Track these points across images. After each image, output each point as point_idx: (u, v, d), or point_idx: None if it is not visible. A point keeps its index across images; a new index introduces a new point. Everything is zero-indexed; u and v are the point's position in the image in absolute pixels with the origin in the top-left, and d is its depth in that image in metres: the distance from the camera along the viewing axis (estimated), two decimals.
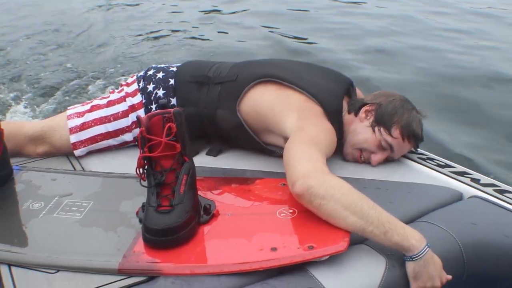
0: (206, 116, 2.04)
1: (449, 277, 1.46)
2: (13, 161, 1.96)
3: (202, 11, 8.94)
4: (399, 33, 6.97)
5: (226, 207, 1.64)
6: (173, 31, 7.46)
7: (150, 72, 2.15)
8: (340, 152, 2.02)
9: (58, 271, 1.41)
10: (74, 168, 2.03)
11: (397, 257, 1.45)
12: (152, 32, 7.45)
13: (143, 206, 1.54)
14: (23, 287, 1.37)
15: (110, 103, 2.12)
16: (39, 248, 1.50)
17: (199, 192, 1.62)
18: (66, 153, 2.12)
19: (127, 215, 1.63)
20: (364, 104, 2.01)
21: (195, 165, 1.59)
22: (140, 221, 1.53)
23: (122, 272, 1.39)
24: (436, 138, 3.81)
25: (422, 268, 1.41)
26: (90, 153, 2.13)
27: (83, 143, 2.08)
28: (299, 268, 1.39)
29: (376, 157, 1.98)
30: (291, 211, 1.58)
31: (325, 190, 1.45)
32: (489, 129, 4.12)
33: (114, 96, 2.14)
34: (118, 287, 1.35)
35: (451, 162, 2.06)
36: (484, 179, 1.93)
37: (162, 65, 2.21)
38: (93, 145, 2.10)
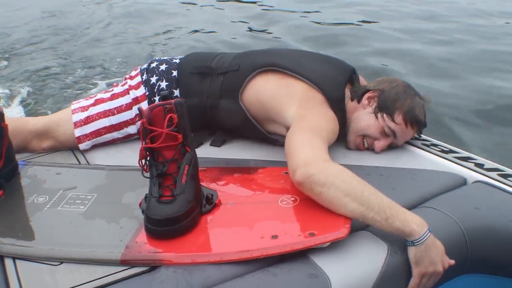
0: (209, 106, 2.04)
1: (452, 262, 1.46)
2: (19, 157, 1.98)
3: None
4: None
5: (229, 196, 1.64)
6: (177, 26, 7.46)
7: (153, 65, 2.16)
8: (343, 140, 2.02)
9: (61, 263, 1.42)
10: (79, 162, 2.04)
11: (399, 242, 1.45)
12: (159, 26, 7.45)
13: (146, 197, 1.55)
14: (27, 279, 1.38)
15: (113, 96, 2.13)
16: (43, 241, 1.51)
17: (202, 182, 1.63)
18: (71, 147, 2.14)
19: (130, 206, 1.64)
20: (367, 91, 2.01)
21: (199, 156, 1.60)
22: (143, 212, 1.53)
23: (124, 262, 1.39)
24: None
25: (424, 253, 1.41)
26: (95, 147, 2.14)
27: (87, 136, 2.09)
28: (300, 255, 1.40)
29: (380, 144, 1.97)
30: (292, 199, 1.58)
31: (325, 177, 1.45)
32: None
33: (118, 89, 2.16)
34: (121, 277, 1.36)
35: (455, 148, 2.05)
36: (488, 163, 1.92)
37: (165, 58, 2.21)
38: (98, 138, 2.11)
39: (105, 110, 2.10)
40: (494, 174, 1.83)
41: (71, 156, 2.10)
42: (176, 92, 2.07)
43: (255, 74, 1.98)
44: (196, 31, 7.12)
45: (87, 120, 2.09)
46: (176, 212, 1.44)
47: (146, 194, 1.54)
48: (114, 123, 2.10)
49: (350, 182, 1.46)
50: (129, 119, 2.11)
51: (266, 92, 1.94)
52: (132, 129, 2.12)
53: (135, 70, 2.20)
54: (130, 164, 1.88)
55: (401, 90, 1.97)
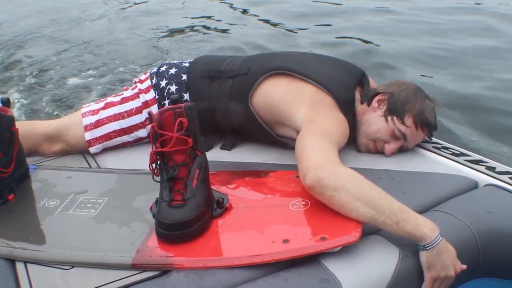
0: (219, 110, 2.04)
1: (464, 266, 1.45)
2: (29, 160, 1.99)
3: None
4: None
5: (239, 200, 1.64)
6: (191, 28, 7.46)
7: (163, 69, 2.16)
8: (354, 143, 2.02)
9: (73, 267, 1.43)
10: (90, 166, 2.05)
11: (410, 247, 1.44)
12: (168, 28, 7.45)
13: (156, 201, 1.55)
14: (38, 283, 1.38)
15: (123, 100, 2.13)
16: (54, 245, 1.51)
17: (212, 186, 1.63)
18: (81, 150, 2.14)
19: (141, 210, 1.64)
20: (377, 94, 2.00)
21: (209, 160, 1.60)
22: (154, 216, 1.53)
23: (135, 267, 1.40)
24: None
25: (436, 258, 1.40)
26: (105, 151, 2.15)
27: (97, 140, 2.10)
28: (311, 259, 1.39)
29: (390, 147, 1.97)
30: (303, 203, 1.58)
31: (336, 181, 1.44)
32: None
33: (128, 93, 2.16)
34: (132, 282, 1.36)
35: (466, 151, 2.04)
36: (500, 167, 1.91)
37: (175, 61, 2.21)
38: (108, 142, 2.12)
39: (115, 114, 2.10)
40: (505, 178, 1.82)
41: (81, 160, 2.10)
42: (186, 96, 2.07)
43: (264, 77, 1.98)
44: (206, 33, 7.12)
45: (97, 124, 2.09)
46: (186, 216, 1.44)
47: (157, 198, 1.55)
48: (124, 126, 2.11)
49: (361, 186, 1.45)
50: (139, 122, 2.11)
51: (276, 95, 1.94)
52: (142, 133, 2.13)
53: (145, 74, 2.21)
54: (140, 168, 1.88)
55: (411, 92, 1.96)
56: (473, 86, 4.70)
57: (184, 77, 2.10)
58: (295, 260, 1.39)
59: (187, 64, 2.16)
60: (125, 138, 2.13)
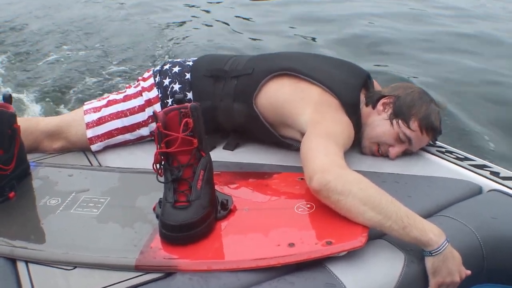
0: (223, 110, 2.03)
1: (468, 272, 1.45)
2: (30, 157, 1.97)
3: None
4: None
5: (243, 202, 1.63)
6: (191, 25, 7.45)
7: (166, 67, 2.14)
8: (358, 145, 2.01)
9: (75, 267, 1.42)
10: (91, 164, 2.04)
11: (416, 252, 1.44)
12: (171, 25, 7.43)
13: (160, 201, 1.54)
14: (40, 283, 1.37)
15: (126, 98, 2.12)
16: (56, 244, 1.50)
17: (216, 187, 1.61)
18: (83, 148, 2.13)
19: (144, 210, 1.63)
20: (382, 97, 1.99)
21: (212, 160, 1.59)
22: (157, 216, 1.53)
23: (139, 268, 1.39)
24: None
25: (442, 263, 1.39)
26: (107, 148, 2.13)
27: (99, 137, 2.08)
28: (317, 263, 1.38)
29: (394, 150, 1.96)
30: (308, 206, 1.57)
31: (342, 185, 1.43)
32: None
33: (131, 90, 2.14)
34: (135, 284, 1.35)
35: (470, 155, 2.04)
36: (504, 172, 1.90)
37: (178, 60, 2.20)
38: (110, 139, 2.10)
39: (118, 112, 2.09)
40: (510, 183, 1.81)
41: (82, 157, 2.09)
42: (189, 95, 2.06)
43: (269, 78, 1.96)
44: (210, 32, 7.10)
45: (100, 121, 2.08)
46: (191, 218, 1.42)
47: (160, 198, 1.54)
48: (126, 124, 2.09)
49: (368, 190, 1.44)
50: (142, 120, 2.09)
51: (281, 96, 1.93)
52: (144, 131, 2.11)
53: (148, 72, 2.19)
54: (142, 166, 1.87)
55: (416, 96, 1.95)
56: None
57: (188, 75, 2.09)
58: (301, 264, 1.38)
59: (190, 63, 2.15)
60: (127, 136, 2.12)
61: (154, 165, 1.50)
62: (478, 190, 1.83)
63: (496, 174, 1.88)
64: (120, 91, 2.20)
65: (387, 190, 1.47)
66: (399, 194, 1.51)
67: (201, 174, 1.49)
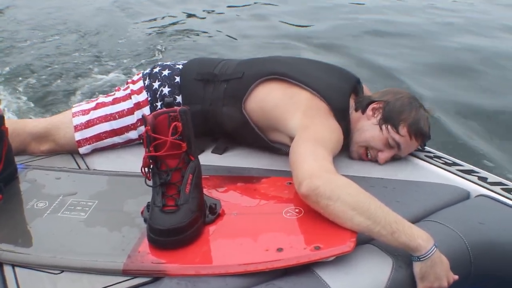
0: (212, 113, 2.03)
1: (456, 277, 1.45)
2: (17, 159, 1.95)
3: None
4: None
5: (232, 206, 1.63)
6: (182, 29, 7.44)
7: (156, 70, 2.14)
8: (346, 150, 2.01)
9: (62, 271, 1.41)
10: (79, 167, 2.02)
11: (404, 257, 1.44)
12: (161, 29, 7.42)
13: (148, 205, 1.53)
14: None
15: (115, 101, 2.11)
16: (43, 248, 1.49)
17: (204, 191, 1.61)
18: (71, 151, 2.11)
19: (132, 214, 1.62)
20: (372, 102, 1.99)
21: (201, 163, 1.59)
22: (145, 220, 1.52)
23: (126, 272, 1.38)
24: None
25: (429, 269, 1.40)
26: (95, 152, 2.12)
27: (87, 140, 2.07)
28: (305, 268, 1.38)
29: (383, 155, 1.96)
30: (297, 210, 1.57)
31: (331, 190, 1.43)
32: None
33: (120, 93, 2.13)
34: None
35: (458, 160, 2.05)
36: (492, 177, 1.91)
37: (168, 63, 2.19)
38: (98, 142, 2.09)
39: (106, 114, 2.08)
40: (497, 188, 1.82)
41: (70, 160, 2.08)
42: (179, 98, 2.06)
43: (259, 82, 1.96)
44: (198, 35, 7.10)
45: (88, 124, 2.07)
46: (179, 223, 1.42)
47: (148, 202, 1.53)
48: (115, 127, 2.08)
49: (357, 195, 1.45)
50: (131, 124, 2.08)
51: (270, 101, 1.93)
52: (133, 134, 2.10)
53: (138, 75, 2.19)
54: (130, 170, 1.86)
55: (406, 102, 1.96)
56: None
57: (177, 79, 2.08)
58: (289, 268, 1.38)
59: (180, 66, 2.14)
60: (116, 139, 2.11)
61: (143, 168, 1.49)
62: (466, 195, 1.84)
63: (484, 179, 1.89)
64: (109, 94, 2.19)
65: (375, 195, 1.47)
66: (388, 199, 1.51)
67: (190, 178, 1.49)
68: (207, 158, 2.00)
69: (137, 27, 7.52)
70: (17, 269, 1.43)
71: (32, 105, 4.61)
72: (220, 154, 2.09)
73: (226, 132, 2.09)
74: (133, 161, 1.88)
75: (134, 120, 2.08)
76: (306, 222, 1.52)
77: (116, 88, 2.22)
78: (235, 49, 6.21)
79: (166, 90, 2.06)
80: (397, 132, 1.91)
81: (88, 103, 2.15)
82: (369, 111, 1.97)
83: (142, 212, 1.58)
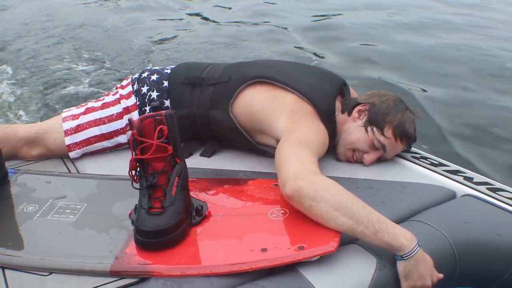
0: (200, 117, 2.04)
1: (441, 275, 1.47)
2: (8, 164, 1.97)
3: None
4: None
5: (218, 208, 1.64)
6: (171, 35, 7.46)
7: (144, 75, 2.15)
8: (333, 152, 2.03)
9: (51, 273, 1.42)
10: (69, 171, 2.04)
11: (387, 256, 1.46)
12: (151, 34, 7.43)
13: (135, 208, 1.55)
14: None
15: (104, 105, 2.12)
16: (32, 250, 1.51)
17: (191, 193, 1.63)
18: (61, 155, 2.13)
19: (120, 217, 1.63)
20: (357, 104, 2.01)
21: (189, 166, 1.60)
22: (133, 222, 1.53)
23: (113, 274, 1.39)
24: None
25: (413, 268, 1.41)
26: (85, 156, 2.13)
27: (77, 145, 2.09)
28: (289, 268, 1.40)
29: (369, 157, 1.98)
30: (282, 211, 1.58)
31: (314, 191, 1.45)
32: None
33: (109, 98, 2.15)
34: None
35: (444, 161, 2.06)
36: (477, 177, 1.93)
37: (157, 67, 2.21)
38: (88, 147, 2.10)
39: (96, 119, 2.09)
40: (483, 188, 1.84)
41: (61, 165, 2.09)
42: (167, 103, 2.07)
43: (245, 85, 1.98)
44: (186, 41, 7.11)
45: (78, 129, 2.08)
46: (165, 224, 1.44)
47: (136, 204, 1.54)
48: (104, 132, 2.10)
49: (340, 196, 1.46)
50: (120, 128, 2.10)
51: (256, 104, 1.94)
52: (122, 139, 2.12)
53: (126, 80, 2.20)
54: (120, 174, 1.87)
55: (391, 104, 1.98)
56: None
57: (166, 83, 2.10)
58: (273, 268, 1.39)
59: (168, 71, 2.16)
60: (105, 144, 2.12)
61: (130, 171, 1.51)
62: (452, 195, 1.85)
63: (469, 179, 1.91)
64: (98, 99, 2.20)
65: (361, 195, 1.49)
66: (373, 200, 1.54)
67: (176, 181, 1.50)
68: (196, 161, 2.02)
69: (127, 33, 7.52)
70: (7, 271, 1.44)
71: (22, 112, 4.62)
72: (208, 157, 2.10)
73: (214, 135, 2.10)
74: (122, 165, 1.89)
75: (123, 125, 2.09)
76: (290, 222, 1.53)
77: (106, 93, 2.24)
78: (225, 55, 6.21)
79: (154, 94, 2.08)
80: (383, 134, 1.93)
81: (77, 108, 2.17)
82: (355, 113, 1.99)
83: (130, 215, 1.60)
